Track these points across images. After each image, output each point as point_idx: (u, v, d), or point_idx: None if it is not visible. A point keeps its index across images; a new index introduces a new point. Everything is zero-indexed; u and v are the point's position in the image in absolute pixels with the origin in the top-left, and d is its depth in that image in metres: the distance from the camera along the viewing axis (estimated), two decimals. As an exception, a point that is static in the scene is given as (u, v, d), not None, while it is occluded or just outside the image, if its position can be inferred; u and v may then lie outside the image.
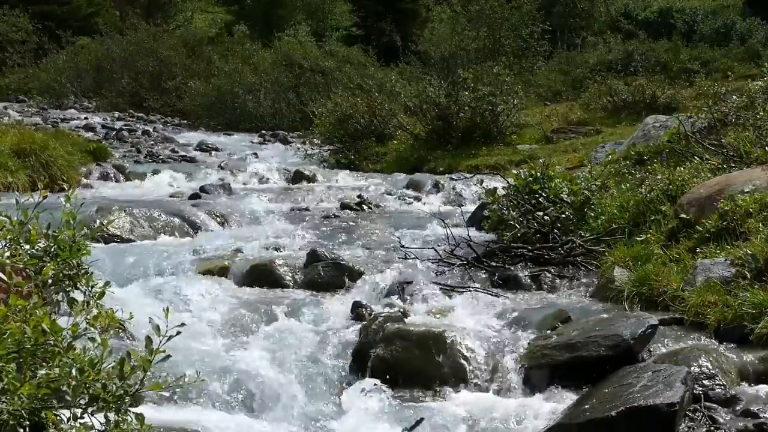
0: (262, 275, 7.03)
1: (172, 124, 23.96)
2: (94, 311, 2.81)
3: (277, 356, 5.24)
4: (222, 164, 14.98)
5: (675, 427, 4.03)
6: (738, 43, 28.56)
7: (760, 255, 5.33)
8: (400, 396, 4.94)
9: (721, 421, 4.15)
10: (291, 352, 5.33)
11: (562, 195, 7.89)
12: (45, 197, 3.00)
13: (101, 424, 2.63)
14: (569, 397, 4.64)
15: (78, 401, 2.55)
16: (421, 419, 4.50)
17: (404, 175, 14.17)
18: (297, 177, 13.79)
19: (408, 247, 7.69)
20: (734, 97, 9.36)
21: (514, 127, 16.94)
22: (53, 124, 19.60)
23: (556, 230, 7.59)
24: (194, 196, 11.36)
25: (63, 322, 2.69)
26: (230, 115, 23.51)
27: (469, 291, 6.64)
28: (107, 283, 3.01)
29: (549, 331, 5.33)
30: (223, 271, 7.09)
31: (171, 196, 11.61)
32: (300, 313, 6.12)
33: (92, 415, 2.60)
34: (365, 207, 11.05)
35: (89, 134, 18.23)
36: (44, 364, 2.57)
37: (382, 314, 5.76)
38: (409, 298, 6.55)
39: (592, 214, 7.64)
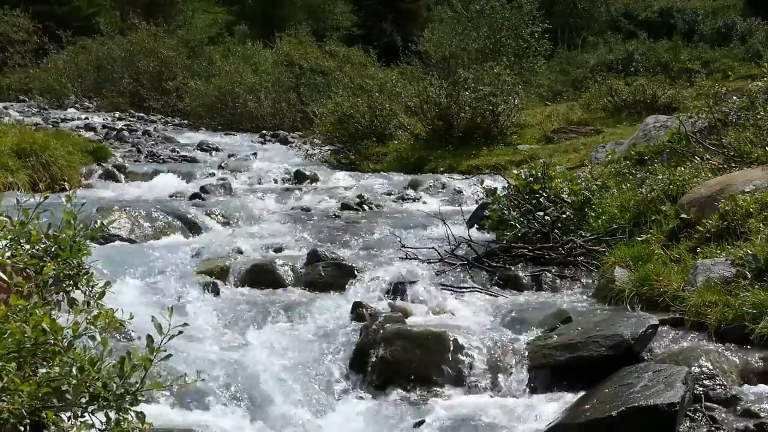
0: (262, 275, 7.03)
1: (172, 124, 23.97)
2: (95, 311, 2.81)
3: (277, 356, 5.24)
4: (222, 164, 14.98)
5: (676, 427, 4.03)
6: (738, 43, 28.61)
7: (761, 255, 5.33)
8: (400, 396, 4.94)
9: (722, 421, 4.15)
10: (291, 352, 5.33)
11: (562, 195, 7.89)
12: (46, 197, 3.00)
13: (102, 422, 2.63)
14: (570, 397, 4.63)
15: (78, 400, 2.55)
16: (422, 420, 4.50)
17: (405, 175, 14.18)
18: (297, 177, 13.79)
19: (408, 247, 7.69)
20: (735, 97, 9.36)
21: (514, 127, 16.93)
22: (54, 124, 19.60)
23: (556, 230, 7.59)
24: (195, 197, 11.37)
25: (63, 321, 2.69)
26: (231, 115, 23.52)
27: (470, 291, 6.65)
28: (107, 283, 3.01)
29: (549, 332, 5.33)
30: (223, 271, 7.09)
31: (171, 196, 11.61)
32: (300, 314, 6.11)
33: (93, 413, 2.61)
34: (366, 207, 11.05)
35: (90, 134, 18.23)
36: (44, 363, 2.57)
37: (383, 314, 5.76)
38: (409, 298, 6.55)
39: (593, 214, 7.64)
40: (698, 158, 8.08)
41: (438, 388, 4.98)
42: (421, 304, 6.43)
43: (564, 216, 7.68)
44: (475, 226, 8.47)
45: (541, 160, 10.42)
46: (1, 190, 10.05)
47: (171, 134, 20.47)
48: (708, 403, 4.28)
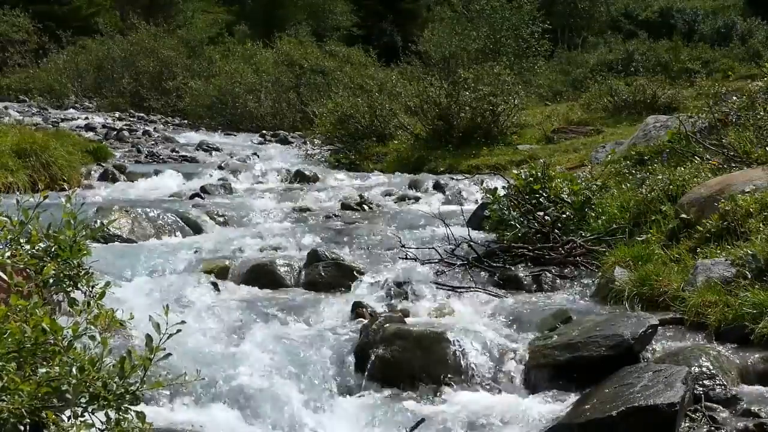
0: (262, 275, 7.03)
1: (172, 124, 23.97)
2: (95, 311, 2.81)
3: (277, 356, 5.24)
4: (222, 164, 14.98)
5: (675, 427, 4.03)
6: (738, 43, 28.61)
7: (761, 255, 5.33)
8: (400, 396, 4.94)
9: (722, 421, 4.15)
10: (291, 352, 5.32)
11: (562, 195, 7.89)
12: (45, 197, 3.00)
13: (102, 422, 2.63)
14: (570, 397, 4.63)
15: (78, 400, 2.55)
16: (422, 420, 4.50)
17: (405, 175, 14.17)
18: (298, 177, 13.80)
19: (408, 247, 7.69)
20: (735, 97, 9.36)
21: (514, 127, 16.94)
22: (54, 124, 19.59)
23: (556, 230, 7.59)
24: (195, 196, 11.38)
25: (63, 321, 2.69)
26: (231, 115, 23.53)
27: (470, 291, 6.64)
28: (108, 284, 3.01)
29: (549, 331, 5.33)
30: (223, 271, 7.10)
31: (171, 196, 11.62)
32: (300, 313, 6.12)
33: (93, 413, 2.61)
34: (366, 207, 11.04)
35: (90, 134, 18.24)
36: (44, 363, 2.57)
37: (383, 314, 5.76)
38: (409, 298, 6.55)
39: (593, 214, 7.64)
40: (698, 158, 8.08)
41: (438, 388, 4.97)
42: (421, 304, 6.42)
43: (564, 216, 7.67)
44: (476, 226, 8.47)
45: (541, 160, 10.42)
46: (1, 190, 10.05)
47: (171, 134, 20.47)
48: (708, 403, 4.28)
